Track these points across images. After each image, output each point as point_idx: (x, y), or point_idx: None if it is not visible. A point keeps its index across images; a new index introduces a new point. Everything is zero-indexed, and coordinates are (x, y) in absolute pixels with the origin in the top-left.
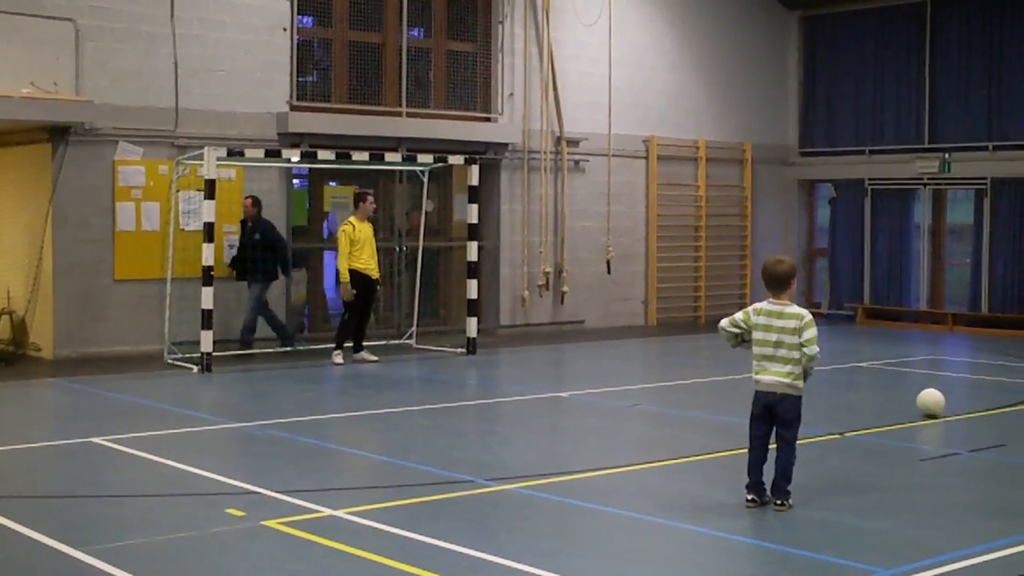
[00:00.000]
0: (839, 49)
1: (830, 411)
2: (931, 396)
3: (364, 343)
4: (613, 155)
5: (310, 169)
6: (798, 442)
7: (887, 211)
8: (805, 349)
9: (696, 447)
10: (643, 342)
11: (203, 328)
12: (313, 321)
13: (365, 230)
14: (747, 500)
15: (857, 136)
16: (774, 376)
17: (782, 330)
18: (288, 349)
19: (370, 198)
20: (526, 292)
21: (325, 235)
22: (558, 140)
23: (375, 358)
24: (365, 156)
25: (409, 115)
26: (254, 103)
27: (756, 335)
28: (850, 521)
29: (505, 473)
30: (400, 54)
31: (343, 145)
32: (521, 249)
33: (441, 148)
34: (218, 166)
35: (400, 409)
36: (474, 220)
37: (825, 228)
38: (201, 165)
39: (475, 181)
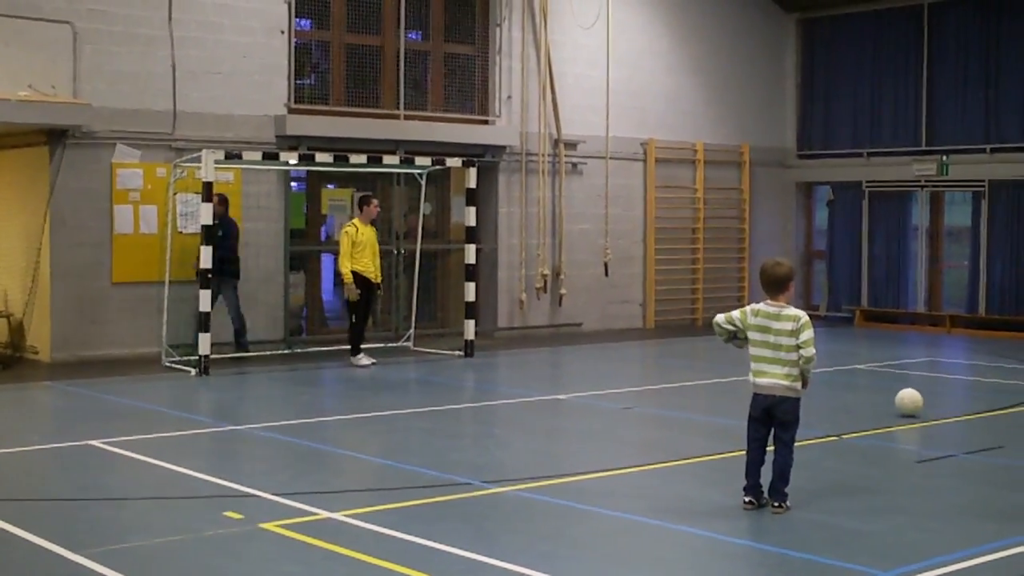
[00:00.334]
0: (837, 51)
1: (828, 413)
2: (908, 396)
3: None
4: (611, 158)
5: (308, 172)
6: (796, 444)
7: (885, 213)
8: (802, 351)
9: (694, 449)
10: (641, 344)
11: (201, 331)
12: (311, 324)
13: (368, 233)
14: (744, 502)
15: (855, 138)
16: (772, 379)
17: (779, 332)
18: (242, 355)
19: (374, 202)
20: (524, 294)
21: (323, 238)
22: (556, 143)
23: (372, 361)
24: (363, 159)
25: (407, 118)
26: (252, 106)
27: (753, 337)
28: (847, 523)
29: (503, 475)
30: (398, 57)
31: (341, 148)
32: (519, 252)
33: (439, 151)
34: (216, 169)
35: (398, 412)
36: (472, 223)
37: (823, 230)
38: (199, 168)
39: (473, 184)
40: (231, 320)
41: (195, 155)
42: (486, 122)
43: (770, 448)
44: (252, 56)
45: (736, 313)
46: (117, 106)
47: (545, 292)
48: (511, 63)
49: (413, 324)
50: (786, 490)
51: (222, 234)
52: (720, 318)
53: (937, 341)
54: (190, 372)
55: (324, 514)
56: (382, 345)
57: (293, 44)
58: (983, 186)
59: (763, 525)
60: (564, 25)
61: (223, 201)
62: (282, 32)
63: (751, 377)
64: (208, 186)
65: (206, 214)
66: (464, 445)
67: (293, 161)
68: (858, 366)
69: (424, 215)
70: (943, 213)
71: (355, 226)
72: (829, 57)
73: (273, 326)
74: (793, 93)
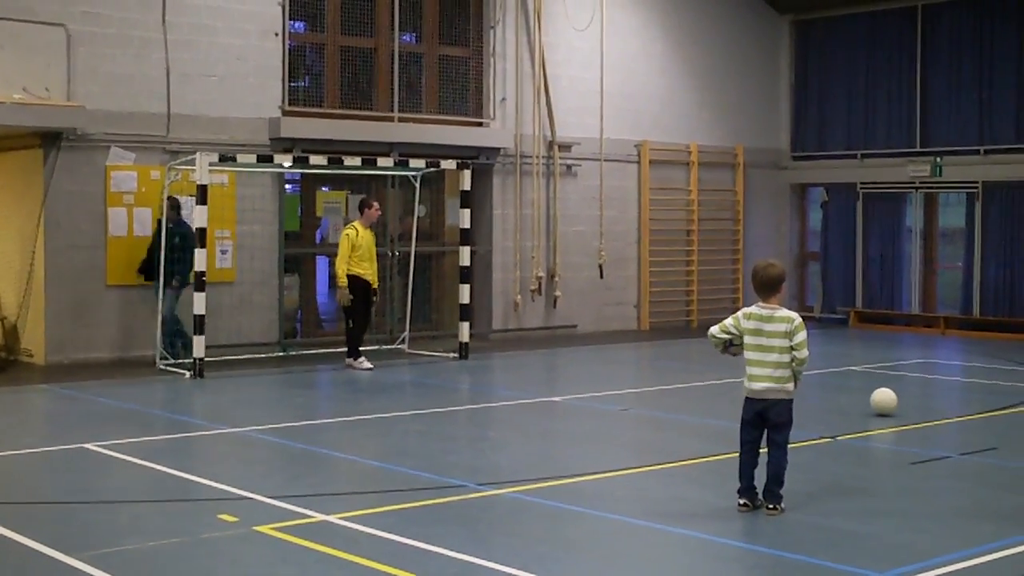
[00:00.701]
0: (831, 53)
1: (822, 415)
2: (881, 396)
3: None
4: (605, 159)
5: (302, 174)
6: (790, 446)
7: (879, 215)
8: (796, 353)
9: (688, 451)
10: (636, 346)
11: (195, 333)
12: (305, 327)
13: (367, 237)
14: (739, 504)
15: (849, 140)
16: (764, 382)
17: (772, 334)
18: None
19: (375, 205)
20: (519, 297)
21: (317, 240)
22: (550, 145)
23: (370, 366)
24: (357, 161)
25: (401, 120)
26: (246, 108)
27: (746, 340)
28: (842, 525)
29: (498, 478)
30: (392, 59)
31: (335, 150)
32: (513, 254)
33: (433, 153)
34: (210, 171)
35: (393, 414)
36: (466, 225)
37: (817, 232)
38: (193, 170)
39: (467, 186)
40: (166, 323)
41: (189, 158)
42: (480, 124)
43: (764, 450)
44: (246, 58)
45: (729, 320)
46: (111, 109)
47: (540, 294)
48: (505, 65)
49: (408, 326)
50: (780, 492)
51: (179, 240)
52: (714, 329)
53: (931, 342)
54: (184, 375)
55: (319, 517)
56: (377, 347)
57: (287, 46)
58: (977, 187)
59: (758, 527)
60: (558, 27)
61: (175, 205)
62: (276, 34)
63: (745, 381)
64: (203, 188)
65: (200, 217)
66: (459, 447)
67: (287, 163)
68: (852, 367)
69: (418, 217)
70: (937, 214)
71: (355, 229)
72: (823, 59)
73: (267, 329)
74: (787, 95)
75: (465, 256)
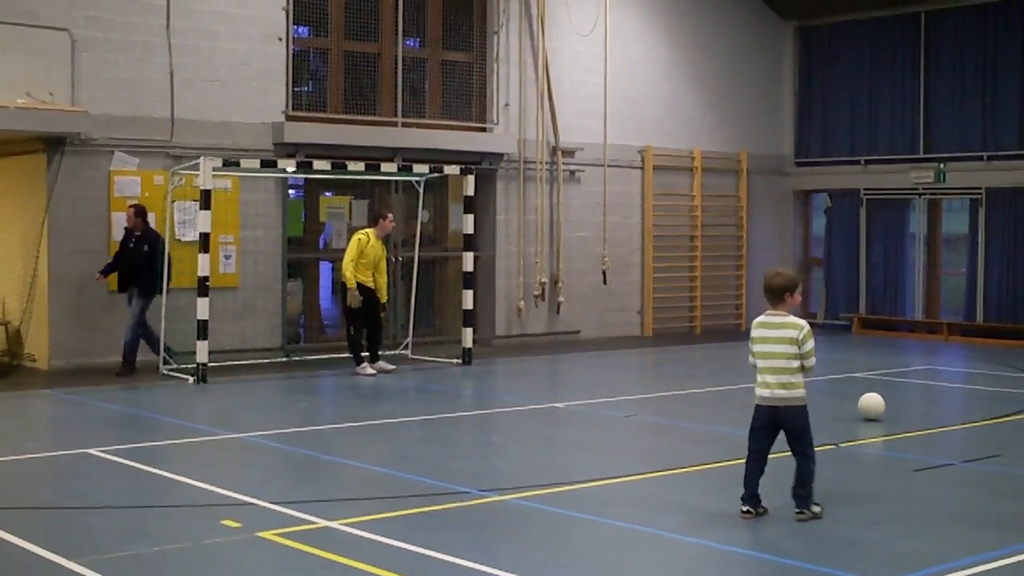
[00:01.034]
0: (834, 59)
1: (825, 421)
2: (870, 401)
3: (363, 354)
4: (609, 165)
5: (306, 179)
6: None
7: (882, 221)
8: (804, 361)
9: (692, 458)
10: (639, 352)
11: (199, 339)
12: (309, 332)
13: (377, 248)
14: (742, 512)
15: (852, 146)
16: (771, 389)
17: (779, 340)
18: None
19: (390, 216)
20: (522, 302)
21: (321, 245)
22: (554, 150)
23: (373, 372)
24: (361, 166)
25: (405, 125)
26: (250, 113)
27: (755, 348)
28: (845, 532)
29: (501, 484)
30: (396, 64)
31: (339, 155)
32: (517, 259)
33: (437, 158)
34: (214, 176)
35: (396, 420)
36: (470, 230)
37: (821, 238)
38: (197, 175)
39: (471, 191)
40: (126, 330)
41: (193, 163)
42: (484, 129)
43: (773, 457)
44: (250, 63)
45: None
46: (115, 113)
47: (543, 300)
48: (509, 70)
49: (411, 332)
50: (807, 494)
51: (148, 249)
52: (750, 359)
53: (935, 349)
54: (188, 380)
55: (322, 523)
56: (380, 353)
57: (291, 51)
58: (980, 193)
59: (761, 534)
60: (562, 32)
61: (140, 213)
62: (280, 39)
63: (756, 387)
64: (206, 194)
65: (204, 222)
66: (462, 453)
67: (291, 168)
68: (855, 374)
69: (422, 222)
70: (940, 220)
71: (368, 236)
72: (827, 65)
73: (271, 334)
74: (791, 100)
75: (468, 261)
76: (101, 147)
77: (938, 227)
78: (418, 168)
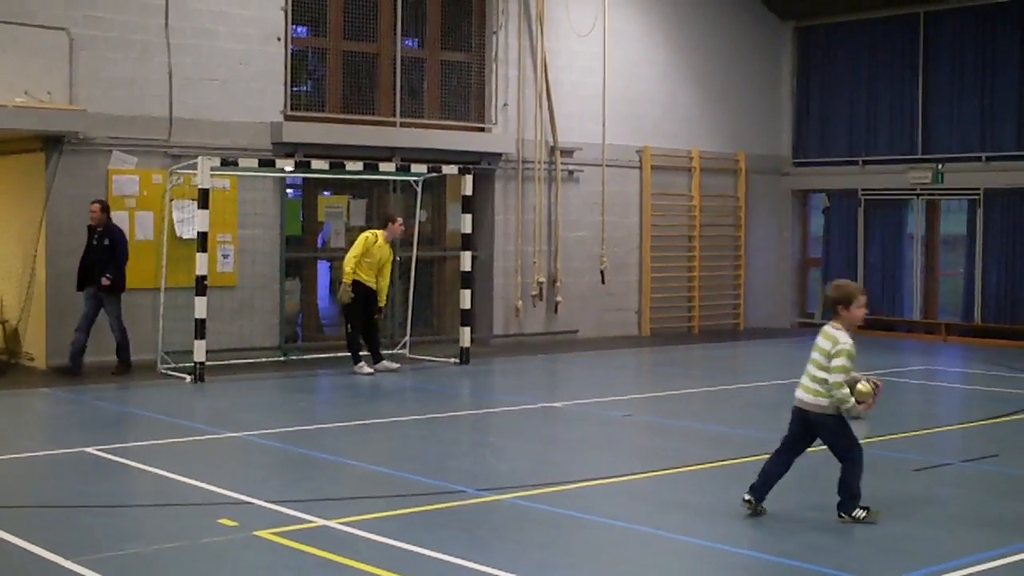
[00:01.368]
0: (833, 60)
1: None
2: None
3: (362, 353)
4: (607, 165)
5: (304, 179)
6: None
7: (880, 221)
8: (827, 375)
9: (691, 457)
10: (637, 352)
11: (196, 338)
12: (307, 331)
13: (384, 250)
14: (744, 499)
15: (850, 146)
16: (802, 391)
17: (817, 348)
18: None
19: (399, 220)
20: (520, 302)
21: (319, 245)
22: (552, 150)
23: (371, 371)
24: (359, 166)
25: (403, 125)
26: (248, 113)
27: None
28: (844, 532)
29: (498, 483)
30: (394, 64)
31: (337, 155)
32: (515, 259)
33: (435, 158)
34: (212, 176)
35: (393, 419)
36: (468, 230)
37: (819, 238)
38: (195, 175)
39: (469, 191)
40: (113, 332)
41: (191, 162)
42: (482, 129)
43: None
44: (248, 63)
45: None
46: (113, 112)
47: (541, 299)
48: (507, 70)
49: (409, 331)
50: (849, 499)
51: (109, 243)
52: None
53: (933, 349)
54: (185, 379)
55: (319, 522)
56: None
57: (289, 51)
58: (978, 194)
59: (761, 534)
60: (560, 33)
61: (105, 208)
62: (278, 39)
63: None
64: (204, 193)
65: (202, 221)
66: (460, 453)
67: (289, 168)
68: (854, 374)
69: (420, 222)
70: (939, 221)
71: (376, 236)
72: (825, 65)
73: (268, 333)
74: (789, 101)
75: (466, 261)
76: (99, 146)
77: (936, 227)
78: (416, 168)
